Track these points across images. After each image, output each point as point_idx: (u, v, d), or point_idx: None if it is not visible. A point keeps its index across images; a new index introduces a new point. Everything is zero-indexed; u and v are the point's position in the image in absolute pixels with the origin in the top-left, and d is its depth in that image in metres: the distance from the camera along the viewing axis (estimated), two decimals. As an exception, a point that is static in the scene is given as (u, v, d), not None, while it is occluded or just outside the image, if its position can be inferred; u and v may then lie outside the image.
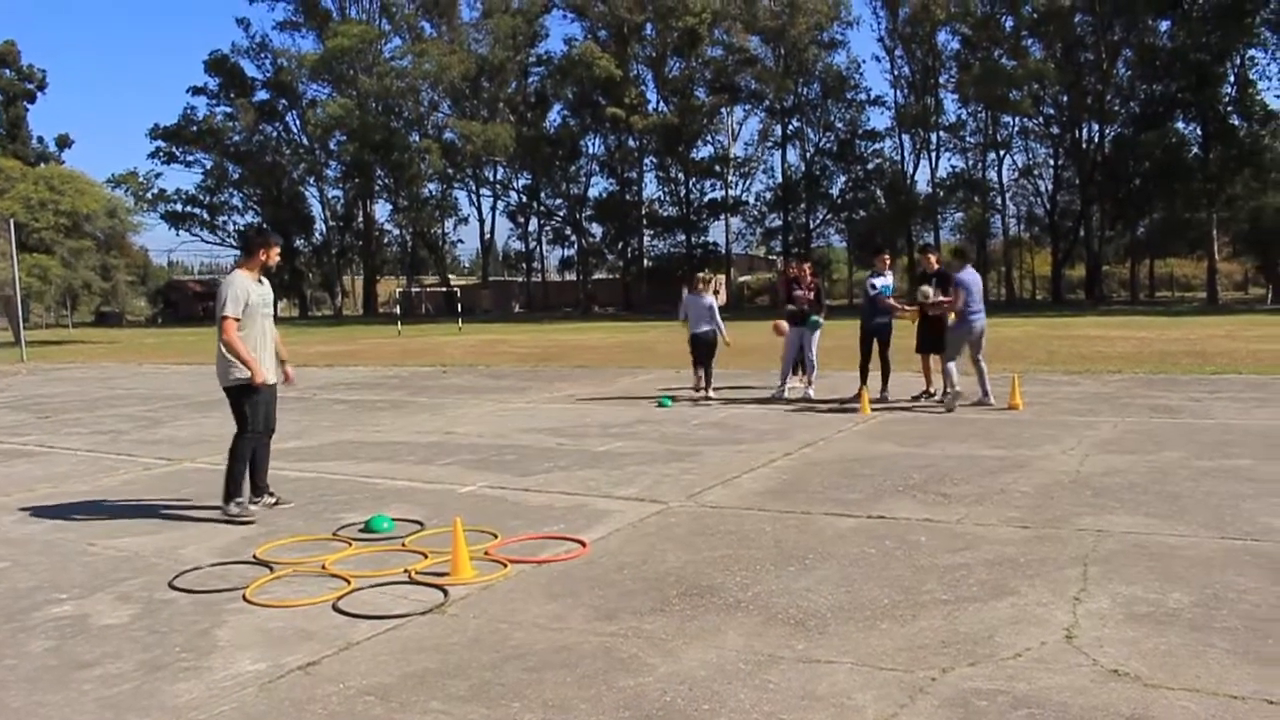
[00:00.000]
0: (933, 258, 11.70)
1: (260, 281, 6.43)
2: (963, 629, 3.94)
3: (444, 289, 59.51)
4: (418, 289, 61.20)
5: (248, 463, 6.36)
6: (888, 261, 12.05)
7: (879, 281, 11.51)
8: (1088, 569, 4.66)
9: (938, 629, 3.95)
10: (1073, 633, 3.85)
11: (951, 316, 10.76)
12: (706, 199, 60.07)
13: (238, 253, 6.82)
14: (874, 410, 10.48)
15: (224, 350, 6.22)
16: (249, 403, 6.27)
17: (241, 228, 63.30)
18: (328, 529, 5.96)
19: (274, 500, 6.61)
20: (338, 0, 62.60)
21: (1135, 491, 6.25)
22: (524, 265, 66.88)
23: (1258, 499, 5.93)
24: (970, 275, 10.73)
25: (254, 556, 5.38)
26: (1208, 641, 3.71)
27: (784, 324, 12.07)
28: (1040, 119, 52.12)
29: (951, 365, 10.46)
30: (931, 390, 11.32)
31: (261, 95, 64.30)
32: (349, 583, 4.79)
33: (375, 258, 66.54)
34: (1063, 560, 4.82)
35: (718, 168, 59.39)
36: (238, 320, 6.19)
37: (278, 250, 6.55)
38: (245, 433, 6.33)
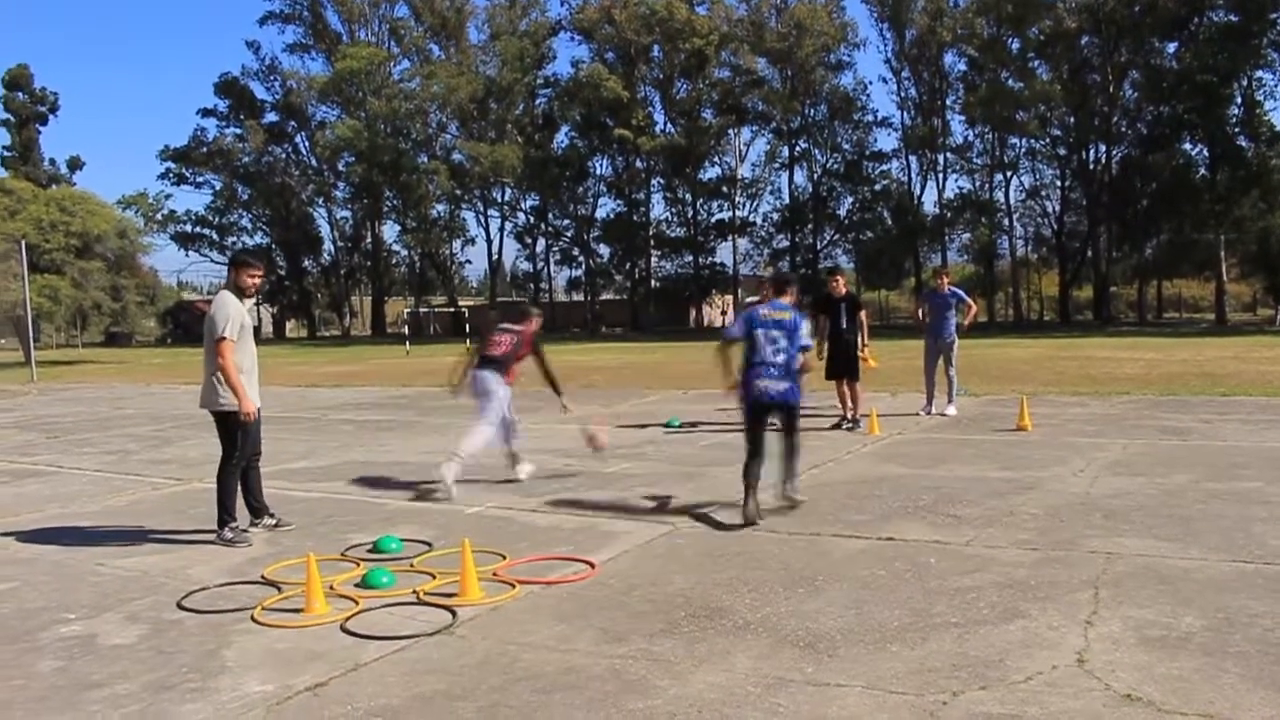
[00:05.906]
0: (840, 280, 11.28)
1: (242, 302, 6.31)
2: (973, 652, 3.92)
3: (452, 309, 59.57)
4: (426, 309, 61.27)
5: (237, 487, 6.30)
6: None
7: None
8: (1099, 592, 4.64)
9: (948, 652, 3.93)
10: (1084, 656, 3.82)
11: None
12: (714, 220, 60.16)
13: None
14: (883, 431, 10.46)
15: (217, 374, 6.11)
16: (241, 429, 6.19)
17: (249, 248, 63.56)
18: (336, 549, 5.95)
19: (274, 521, 6.56)
20: (347, 23, 63.20)
21: (1145, 514, 6.22)
22: (532, 286, 67.03)
23: (1269, 522, 5.90)
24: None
25: (262, 577, 5.39)
26: (1221, 666, 3.68)
27: None
28: (1047, 140, 52.14)
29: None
30: (849, 415, 10.98)
31: (271, 117, 64.76)
32: (357, 603, 4.79)
33: (383, 278, 66.75)
34: (1073, 583, 4.79)
35: (725, 189, 59.50)
36: (234, 342, 6.10)
37: (247, 272, 6.30)
38: (231, 459, 6.26)
